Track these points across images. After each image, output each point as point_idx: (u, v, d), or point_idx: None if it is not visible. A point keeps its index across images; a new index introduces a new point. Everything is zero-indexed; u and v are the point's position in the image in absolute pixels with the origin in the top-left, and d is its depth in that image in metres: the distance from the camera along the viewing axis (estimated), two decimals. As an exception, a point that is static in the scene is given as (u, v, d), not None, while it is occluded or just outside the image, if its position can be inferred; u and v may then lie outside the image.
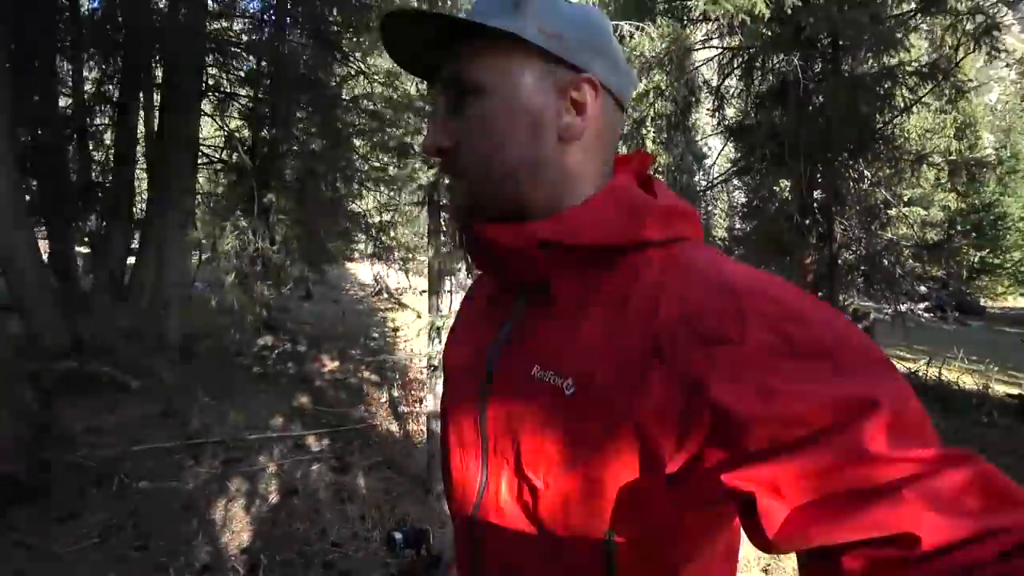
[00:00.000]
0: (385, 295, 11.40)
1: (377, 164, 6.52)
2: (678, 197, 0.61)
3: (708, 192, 11.70)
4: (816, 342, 0.44)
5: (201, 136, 7.30)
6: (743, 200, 10.72)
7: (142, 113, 7.43)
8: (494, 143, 0.57)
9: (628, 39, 7.11)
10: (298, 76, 6.05)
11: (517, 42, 0.55)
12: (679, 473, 0.47)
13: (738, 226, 11.27)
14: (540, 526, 0.55)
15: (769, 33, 5.56)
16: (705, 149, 14.87)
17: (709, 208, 14.58)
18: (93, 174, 7.07)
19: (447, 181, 0.64)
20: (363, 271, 12.35)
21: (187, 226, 5.96)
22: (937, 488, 0.37)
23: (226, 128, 6.71)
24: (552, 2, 0.58)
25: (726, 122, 8.29)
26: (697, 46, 7.16)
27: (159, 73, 6.90)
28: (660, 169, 11.42)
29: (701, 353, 0.46)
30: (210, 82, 6.71)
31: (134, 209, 7.42)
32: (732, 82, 8.10)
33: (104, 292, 6.40)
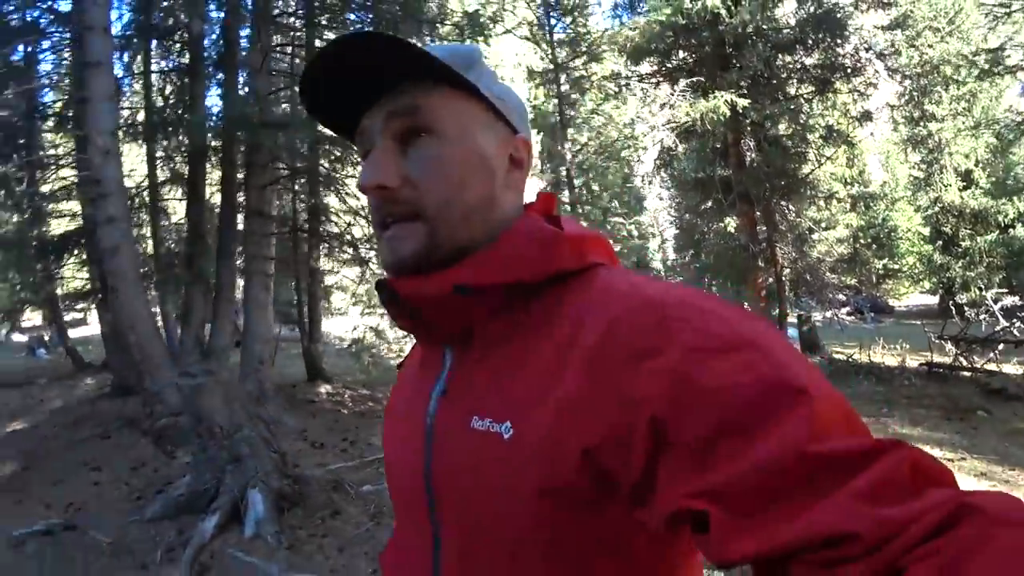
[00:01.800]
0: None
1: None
2: (585, 227, 0.62)
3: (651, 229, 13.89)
4: (738, 337, 0.44)
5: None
6: (689, 237, 12.97)
7: (208, 189, 8.46)
8: (453, 185, 0.55)
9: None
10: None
11: (471, 96, 0.57)
12: (637, 495, 0.46)
13: (690, 257, 13.55)
14: None
15: (718, 117, 7.61)
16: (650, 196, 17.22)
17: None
18: (172, 245, 8.07)
19: (383, 230, 0.58)
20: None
21: (269, 289, 7.16)
22: (871, 481, 0.37)
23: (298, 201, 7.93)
24: (491, 72, 0.62)
25: (683, 175, 10.40)
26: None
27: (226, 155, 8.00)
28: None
29: (632, 369, 0.45)
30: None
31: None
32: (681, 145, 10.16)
33: (192, 353, 7.42)
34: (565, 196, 10.38)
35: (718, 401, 0.41)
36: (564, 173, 9.51)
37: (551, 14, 8.67)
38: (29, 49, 7.51)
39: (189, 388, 3.45)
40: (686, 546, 0.53)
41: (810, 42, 8.60)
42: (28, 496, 4.11)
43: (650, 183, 9.97)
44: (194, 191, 7.89)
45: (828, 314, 10.54)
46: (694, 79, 8.73)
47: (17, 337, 17.56)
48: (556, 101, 6.33)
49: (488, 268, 0.54)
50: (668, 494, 0.43)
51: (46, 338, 14.77)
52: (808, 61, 8.87)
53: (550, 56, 8.13)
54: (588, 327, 0.49)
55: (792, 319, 10.86)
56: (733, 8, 7.37)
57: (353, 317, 9.14)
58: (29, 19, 7.33)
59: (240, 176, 7.32)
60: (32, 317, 15.93)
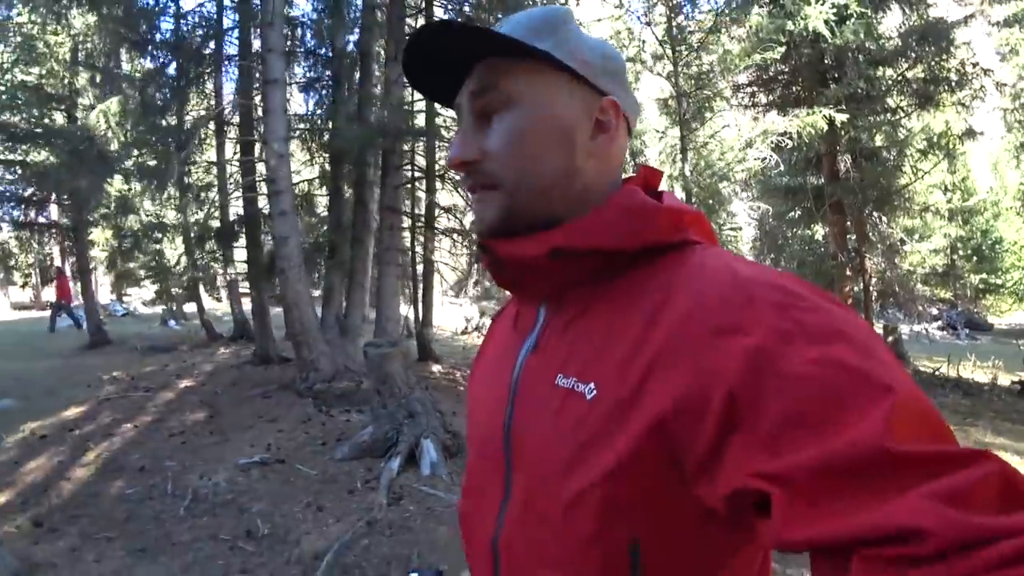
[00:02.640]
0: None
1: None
2: (685, 204, 0.61)
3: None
4: (828, 326, 0.43)
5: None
6: (772, 241, 13.06)
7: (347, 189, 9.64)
8: (530, 155, 0.57)
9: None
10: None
11: (549, 63, 0.57)
12: (701, 469, 0.45)
13: (770, 262, 13.65)
14: (565, 537, 0.53)
15: (815, 132, 7.86)
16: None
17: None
18: (317, 238, 9.26)
19: (472, 196, 0.65)
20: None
21: (401, 277, 8.11)
22: (951, 486, 0.34)
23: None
24: (578, 32, 0.61)
25: (772, 182, 10.60)
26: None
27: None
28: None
29: (713, 344, 0.45)
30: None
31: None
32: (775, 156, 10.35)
33: (332, 329, 8.51)
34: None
35: (800, 388, 0.41)
36: (684, 195, 9.96)
37: (677, 48, 9.08)
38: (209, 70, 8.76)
39: (377, 355, 4.33)
40: (740, 541, 0.52)
41: (913, 55, 8.63)
42: (227, 438, 5.18)
43: (743, 191, 10.25)
44: (336, 189, 8.99)
45: (917, 327, 10.43)
46: (791, 90, 8.98)
47: (142, 309, 19.95)
48: (679, 127, 6.87)
49: (582, 234, 0.55)
50: (734, 471, 0.42)
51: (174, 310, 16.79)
52: (910, 74, 8.89)
53: (674, 84, 8.59)
54: (677, 299, 0.50)
55: (877, 330, 10.85)
56: (836, 29, 7.59)
57: (456, 308, 10.04)
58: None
59: (367, 176, 8.36)
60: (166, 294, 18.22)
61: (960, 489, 0.34)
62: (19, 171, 10.89)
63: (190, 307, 19.05)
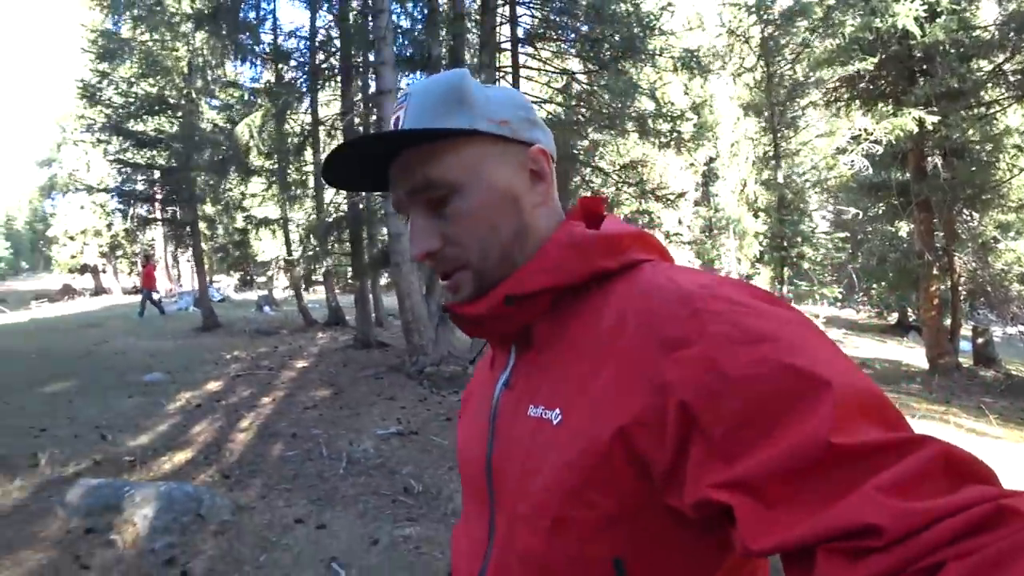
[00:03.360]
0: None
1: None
2: (627, 226, 0.64)
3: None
4: (766, 328, 0.46)
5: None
6: (852, 237, 12.77)
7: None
8: (486, 231, 0.60)
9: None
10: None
11: (472, 136, 0.60)
12: (668, 480, 0.48)
13: (847, 256, 13.29)
14: (550, 564, 0.55)
15: (904, 133, 7.79)
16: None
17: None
18: None
19: (444, 281, 0.66)
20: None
21: None
22: (898, 474, 0.37)
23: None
24: (484, 92, 0.62)
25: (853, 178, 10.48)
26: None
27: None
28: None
29: (665, 359, 0.48)
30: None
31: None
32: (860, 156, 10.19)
33: (436, 316, 9.14)
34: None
35: (742, 391, 0.43)
36: (776, 200, 10.03)
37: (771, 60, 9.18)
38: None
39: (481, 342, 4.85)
40: (722, 548, 0.53)
41: (1010, 46, 8.34)
42: (357, 412, 5.86)
43: (823, 190, 10.21)
44: None
45: (1011, 329, 10.01)
46: (877, 85, 8.86)
47: (233, 295, 21.62)
48: (772, 135, 7.05)
49: (529, 278, 0.59)
50: (696, 483, 0.44)
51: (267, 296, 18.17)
52: (1007, 67, 8.60)
53: (764, 95, 8.73)
54: (628, 320, 0.53)
55: (966, 331, 10.55)
56: (926, 25, 7.48)
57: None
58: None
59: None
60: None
61: (905, 477, 0.37)
62: (148, 173, 12.19)
63: (279, 294, 20.55)
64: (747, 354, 0.44)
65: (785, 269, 7.72)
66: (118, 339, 10.52)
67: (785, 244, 7.63)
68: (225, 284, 24.05)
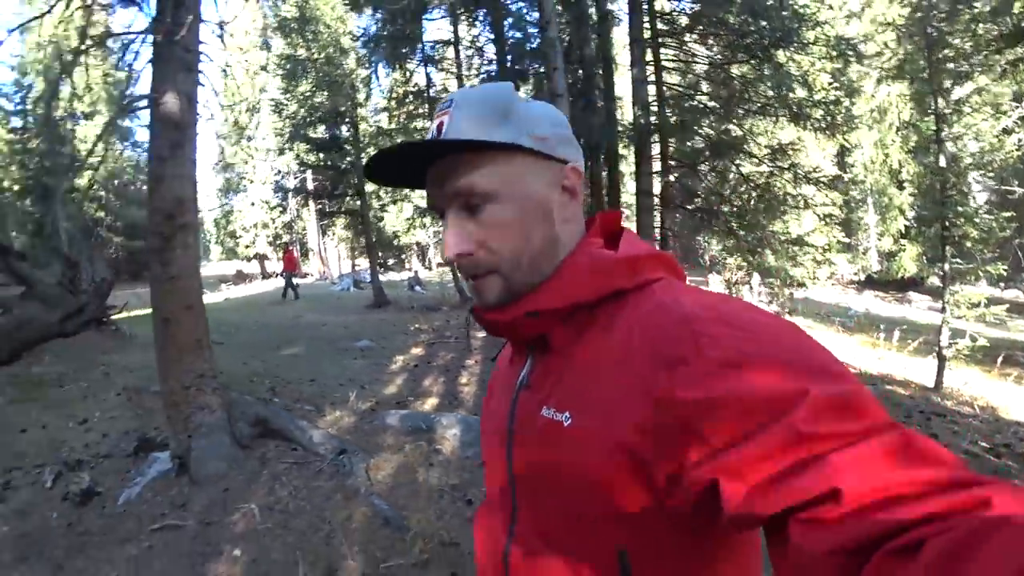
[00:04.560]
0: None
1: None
2: (644, 246, 0.68)
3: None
4: (760, 353, 0.49)
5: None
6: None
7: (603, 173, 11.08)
8: (520, 240, 0.63)
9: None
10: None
11: (514, 149, 0.63)
12: (670, 481, 0.52)
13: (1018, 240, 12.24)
14: (561, 551, 0.61)
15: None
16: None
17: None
18: None
19: (472, 281, 0.72)
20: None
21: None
22: (861, 452, 0.42)
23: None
24: (527, 107, 0.66)
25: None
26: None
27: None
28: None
29: (665, 375, 0.52)
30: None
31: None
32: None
33: None
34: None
35: (733, 408, 0.47)
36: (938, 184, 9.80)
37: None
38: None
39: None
40: (721, 542, 0.58)
41: None
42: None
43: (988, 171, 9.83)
44: (591, 177, 10.48)
45: None
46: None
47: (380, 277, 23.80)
48: (934, 118, 7.02)
49: (549, 296, 0.64)
50: (694, 477, 0.49)
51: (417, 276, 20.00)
52: None
53: (931, 84, 8.61)
54: (635, 334, 0.57)
55: None
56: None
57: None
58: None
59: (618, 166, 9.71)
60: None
61: (869, 454, 0.42)
62: (326, 173, 14.12)
63: (424, 274, 22.35)
64: (739, 376, 0.48)
65: (947, 248, 7.73)
66: (307, 315, 12.17)
67: (947, 223, 7.64)
68: (364, 267, 26.57)
